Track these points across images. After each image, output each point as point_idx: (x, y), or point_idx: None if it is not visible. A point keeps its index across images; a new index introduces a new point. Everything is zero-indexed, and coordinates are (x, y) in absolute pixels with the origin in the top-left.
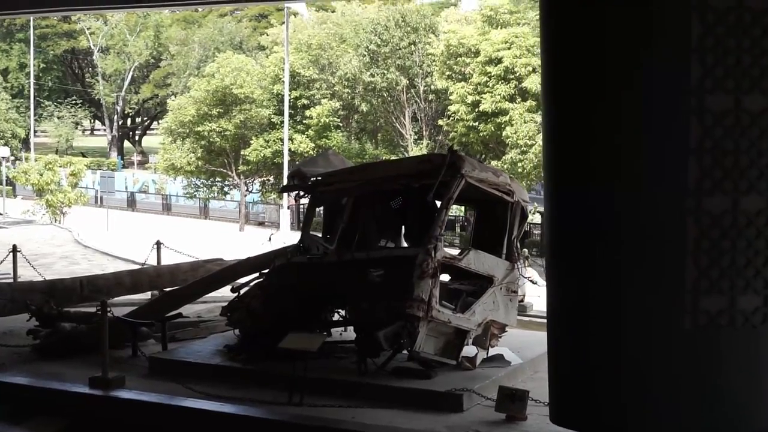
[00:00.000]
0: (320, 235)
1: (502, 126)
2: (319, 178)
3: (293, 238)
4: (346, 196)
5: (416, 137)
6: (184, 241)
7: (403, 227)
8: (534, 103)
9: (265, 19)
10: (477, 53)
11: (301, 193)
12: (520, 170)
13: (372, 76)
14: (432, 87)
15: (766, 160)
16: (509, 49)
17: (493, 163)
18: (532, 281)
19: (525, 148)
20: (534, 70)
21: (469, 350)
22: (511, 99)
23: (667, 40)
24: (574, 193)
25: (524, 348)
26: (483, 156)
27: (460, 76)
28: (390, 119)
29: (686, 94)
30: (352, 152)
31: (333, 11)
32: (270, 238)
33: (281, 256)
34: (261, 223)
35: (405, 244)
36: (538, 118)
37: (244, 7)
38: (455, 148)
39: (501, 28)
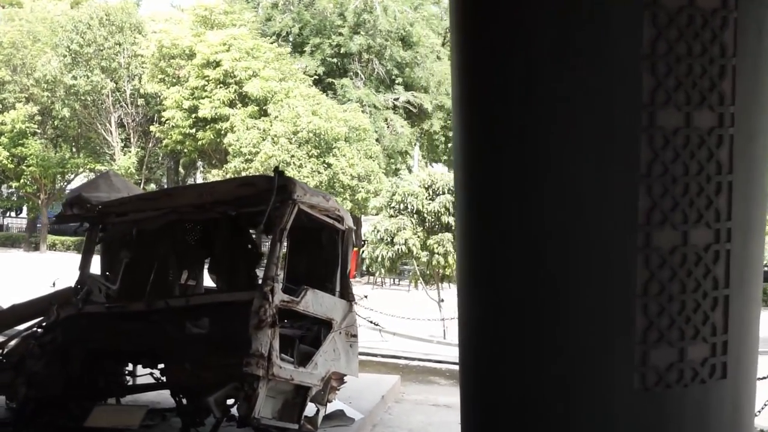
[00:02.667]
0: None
1: (223, 133)
2: (103, 206)
3: None
4: (146, 227)
5: (123, 144)
6: None
7: (206, 261)
8: (256, 108)
9: None
10: (192, 55)
11: (84, 225)
12: None
13: (74, 78)
14: (141, 91)
15: (714, 186)
16: (228, 51)
17: (215, 172)
18: (375, 324)
19: (250, 156)
20: (255, 74)
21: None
22: (231, 104)
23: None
24: (494, 223)
25: (355, 396)
26: (202, 165)
27: (174, 80)
28: (94, 125)
29: (636, 110)
30: (51, 161)
31: (21, 7)
32: (54, 284)
33: (63, 302)
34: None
35: (209, 281)
36: (261, 124)
37: None
38: (281, 169)
39: (216, 29)
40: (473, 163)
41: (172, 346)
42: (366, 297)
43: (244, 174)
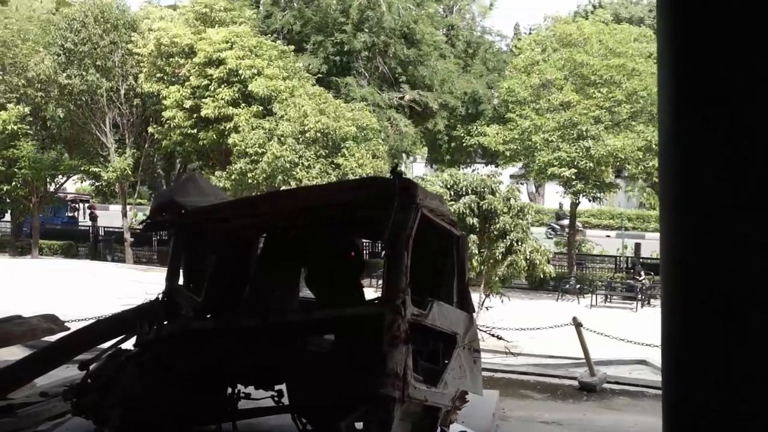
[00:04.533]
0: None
1: (226, 133)
2: (199, 211)
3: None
4: (250, 235)
5: (117, 146)
6: None
7: (301, 272)
8: (261, 108)
9: None
10: (193, 53)
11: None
12: (250, 181)
13: (69, 77)
14: (137, 90)
15: None
16: (231, 49)
17: (218, 173)
18: (498, 338)
19: (256, 157)
20: (259, 73)
21: None
22: (235, 104)
23: None
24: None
25: (463, 415)
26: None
27: (173, 79)
28: (88, 126)
29: None
30: (44, 163)
31: (5, 5)
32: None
33: (152, 317)
34: None
35: (306, 294)
36: (267, 124)
37: None
38: (400, 170)
39: (217, 26)
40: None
41: (294, 366)
42: (489, 308)
43: (249, 175)
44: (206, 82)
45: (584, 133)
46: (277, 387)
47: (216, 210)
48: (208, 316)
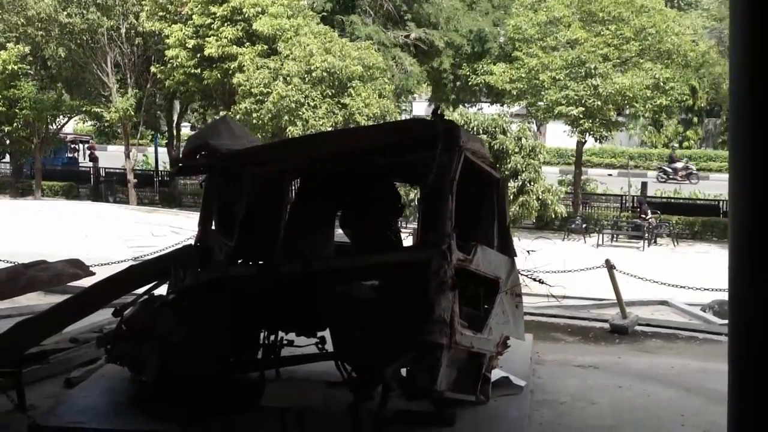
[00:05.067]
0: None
1: (230, 73)
2: (237, 154)
3: None
4: (286, 179)
5: (119, 86)
6: None
7: (335, 217)
8: (265, 47)
9: None
10: None
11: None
12: (255, 121)
13: (69, 16)
14: (138, 29)
15: None
16: None
17: (222, 113)
18: (540, 282)
19: (261, 97)
20: (263, 11)
21: None
22: (239, 43)
23: None
24: None
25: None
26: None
27: (176, 17)
28: (89, 66)
29: None
30: (45, 104)
31: None
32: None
33: (186, 263)
34: None
35: (343, 238)
36: (272, 63)
37: None
38: (440, 111)
39: None
40: None
41: (339, 313)
42: (530, 252)
43: (255, 115)
44: (209, 20)
45: (592, 71)
46: (319, 333)
47: (254, 153)
48: (239, 261)
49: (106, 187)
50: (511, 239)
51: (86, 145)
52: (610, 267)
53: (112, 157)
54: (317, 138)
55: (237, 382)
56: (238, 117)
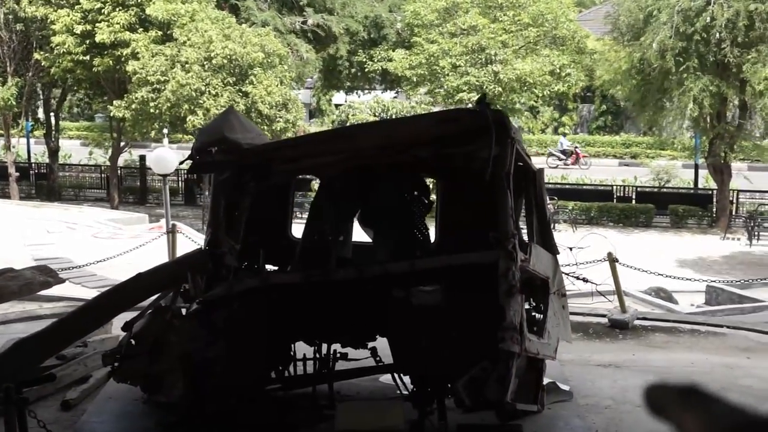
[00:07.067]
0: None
1: (123, 60)
2: (262, 150)
3: None
4: (319, 176)
5: None
6: None
7: (357, 213)
8: (160, 33)
9: None
10: None
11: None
12: (152, 110)
13: None
14: (19, 15)
15: None
16: None
17: (117, 102)
18: (585, 281)
19: (158, 86)
20: None
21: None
22: (132, 29)
23: None
24: None
25: None
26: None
27: (62, 2)
28: None
29: None
30: None
31: None
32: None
33: (198, 269)
34: None
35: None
36: (168, 50)
37: None
38: (487, 101)
39: None
40: None
41: (401, 321)
42: (573, 249)
43: (152, 104)
44: (99, 5)
45: (492, 57)
46: (370, 344)
47: (281, 147)
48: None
49: None
50: (553, 235)
51: None
52: (612, 260)
53: None
54: (355, 130)
55: (282, 400)
56: (133, 106)
